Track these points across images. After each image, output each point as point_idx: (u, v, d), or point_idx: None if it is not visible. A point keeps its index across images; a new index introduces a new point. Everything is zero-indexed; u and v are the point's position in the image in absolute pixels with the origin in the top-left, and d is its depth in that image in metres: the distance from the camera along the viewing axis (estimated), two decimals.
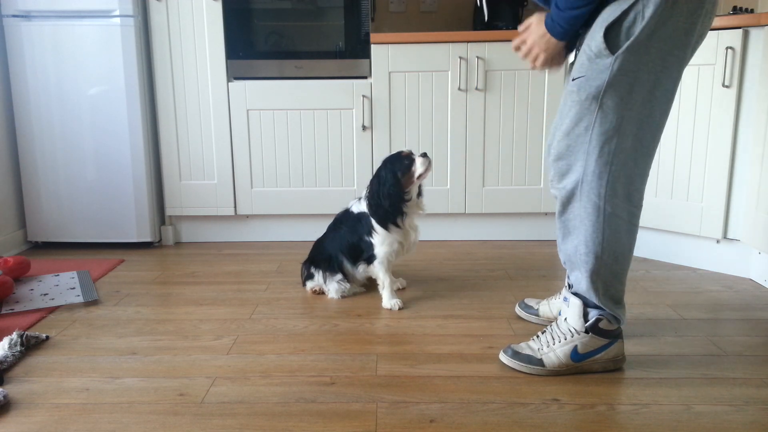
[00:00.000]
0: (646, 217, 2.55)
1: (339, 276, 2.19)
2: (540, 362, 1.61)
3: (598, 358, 1.60)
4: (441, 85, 2.78)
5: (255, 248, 2.89)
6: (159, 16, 2.75)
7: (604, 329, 1.58)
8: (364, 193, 2.16)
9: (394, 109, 2.81)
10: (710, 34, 2.27)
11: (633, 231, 1.54)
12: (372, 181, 2.12)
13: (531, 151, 2.83)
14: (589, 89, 1.46)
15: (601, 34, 1.42)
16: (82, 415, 1.44)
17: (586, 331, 1.59)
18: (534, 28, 1.56)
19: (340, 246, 2.18)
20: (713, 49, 2.28)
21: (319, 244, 2.26)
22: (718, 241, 2.41)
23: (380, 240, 2.09)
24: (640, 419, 1.40)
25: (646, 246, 2.64)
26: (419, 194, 2.16)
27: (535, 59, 1.59)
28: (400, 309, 2.08)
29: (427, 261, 2.65)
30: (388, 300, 2.11)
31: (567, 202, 1.55)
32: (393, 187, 2.05)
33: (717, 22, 2.26)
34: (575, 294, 1.61)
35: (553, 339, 1.63)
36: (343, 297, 2.18)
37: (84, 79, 2.71)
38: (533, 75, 2.76)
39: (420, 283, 2.35)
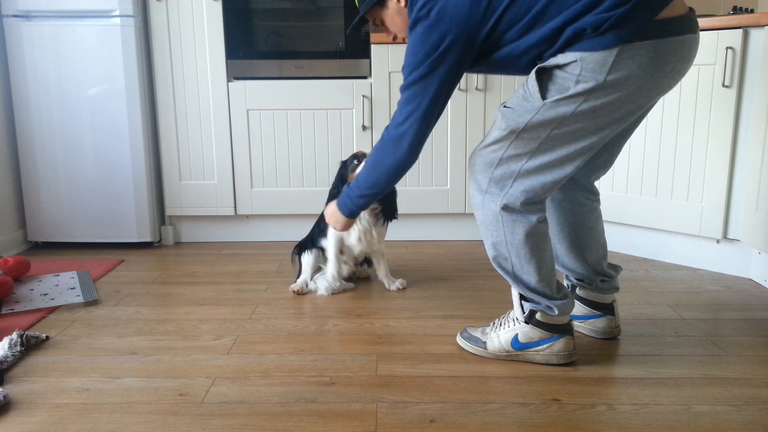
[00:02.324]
0: (646, 217, 2.55)
1: (330, 273, 2.24)
2: (484, 345, 1.70)
3: (540, 350, 1.65)
4: None
5: (255, 248, 2.89)
6: (159, 16, 2.75)
7: (543, 321, 1.62)
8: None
9: (394, 109, 2.80)
10: (710, 34, 2.27)
11: (530, 241, 1.54)
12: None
13: None
14: (510, 122, 1.48)
15: (534, 76, 1.43)
16: (82, 415, 1.44)
17: (526, 321, 1.64)
18: (327, 211, 1.91)
19: (319, 226, 2.31)
20: (713, 49, 2.28)
21: (310, 232, 2.38)
22: (718, 241, 2.41)
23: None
24: (640, 419, 1.40)
25: (646, 246, 2.64)
26: (386, 203, 2.18)
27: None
28: (335, 281, 2.23)
29: (427, 261, 2.65)
30: (329, 273, 2.24)
31: (475, 208, 1.61)
32: (339, 183, 2.17)
33: (717, 22, 2.26)
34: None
35: (501, 325, 1.70)
36: (333, 294, 2.21)
37: (84, 79, 2.71)
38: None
39: (420, 283, 2.35)
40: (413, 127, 1.54)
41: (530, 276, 1.57)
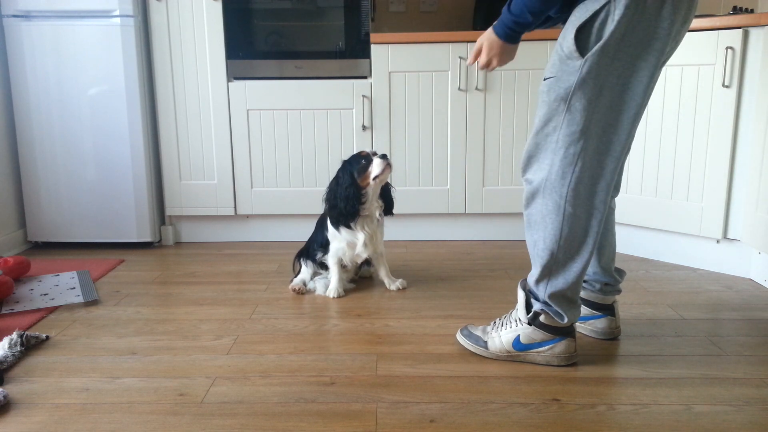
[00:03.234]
0: (646, 217, 2.55)
1: (333, 289, 2.22)
2: (485, 344, 1.70)
3: (542, 351, 1.64)
4: (441, 85, 2.78)
5: (255, 248, 2.89)
6: (159, 16, 2.75)
7: (546, 324, 1.61)
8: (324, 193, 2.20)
9: (394, 109, 2.81)
10: (710, 34, 2.27)
11: (592, 233, 1.54)
12: (331, 182, 2.18)
13: None
14: (558, 90, 1.47)
15: (572, 35, 1.43)
16: (82, 415, 1.44)
17: (529, 323, 1.63)
18: (485, 37, 1.61)
19: (316, 239, 2.29)
20: (713, 49, 2.28)
21: (310, 239, 2.36)
22: (718, 241, 2.41)
23: (331, 236, 2.19)
24: (640, 419, 1.40)
25: (646, 246, 2.64)
26: (386, 199, 2.18)
27: (489, 65, 1.63)
28: (339, 297, 2.18)
29: (427, 261, 2.65)
30: (332, 289, 2.20)
31: (531, 197, 1.57)
32: (349, 187, 2.08)
33: (717, 22, 2.26)
34: (523, 287, 1.66)
35: (503, 325, 1.69)
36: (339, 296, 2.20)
37: (84, 80, 2.71)
38: (533, 75, 2.76)
39: (420, 283, 2.35)
40: None
41: (567, 277, 1.55)
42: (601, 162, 1.49)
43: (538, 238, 1.57)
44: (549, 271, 1.57)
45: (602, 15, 1.40)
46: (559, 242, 1.53)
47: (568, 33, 1.45)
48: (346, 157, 2.19)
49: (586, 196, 1.50)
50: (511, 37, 1.56)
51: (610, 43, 1.40)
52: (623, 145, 1.50)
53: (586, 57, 1.42)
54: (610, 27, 1.39)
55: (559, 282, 1.57)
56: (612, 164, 1.50)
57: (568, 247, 1.53)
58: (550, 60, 1.51)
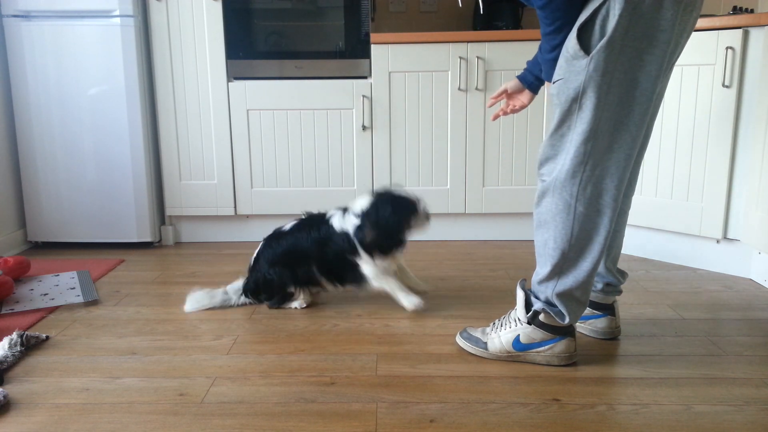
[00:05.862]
0: (646, 217, 2.55)
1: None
2: (485, 346, 1.70)
3: (542, 351, 1.64)
4: (441, 85, 2.78)
5: (255, 248, 2.88)
6: (159, 16, 2.75)
7: (545, 323, 1.61)
8: (352, 210, 2.03)
9: (394, 109, 2.81)
10: (710, 34, 2.27)
11: (603, 231, 1.53)
12: (373, 213, 1.97)
13: (531, 151, 2.83)
14: (568, 92, 1.47)
15: (575, 35, 1.43)
16: (82, 415, 1.44)
17: (528, 322, 1.63)
18: (514, 86, 1.83)
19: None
20: (713, 49, 2.28)
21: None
22: (718, 241, 2.41)
23: (369, 263, 2.01)
24: (640, 419, 1.40)
25: (646, 246, 2.64)
26: None
27: (515, 109, 1.85)
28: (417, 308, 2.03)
29: (427, 261, 2.65)
30: (406, 300, 2.02)
31: (542, 195, 1.56)
32: (401, 232, 1.97)
33: (717, 22, 2.26)
34: (523, 286, 1.66)
35: (502, 325, 1.69)
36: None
37: (84, 79, 2.71)
38: None
39: None
40: None
41: (577, 276, 1.54)
42: (612, 160, 1.48)
43: (549, 237, 1.56)
44: (559, 270, 1.56)
45: (603, 11, 1.40)
46: (570, 241, 1.52)
47: (571, 34, 1.45)
48: (402, 201, 2.00)
49: (596, 194, 1.50)
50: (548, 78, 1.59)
51: (614, 37, 1.40)
52: (635, 142, 1.48)
53: (591, 54, 1.42)
54: (612, 22, 1.39)
55: (569, 281, 1.56)
56: (623, 162, 1.49)
57: (579, 246, 1.53)
58: (558, 63, 1.50)
